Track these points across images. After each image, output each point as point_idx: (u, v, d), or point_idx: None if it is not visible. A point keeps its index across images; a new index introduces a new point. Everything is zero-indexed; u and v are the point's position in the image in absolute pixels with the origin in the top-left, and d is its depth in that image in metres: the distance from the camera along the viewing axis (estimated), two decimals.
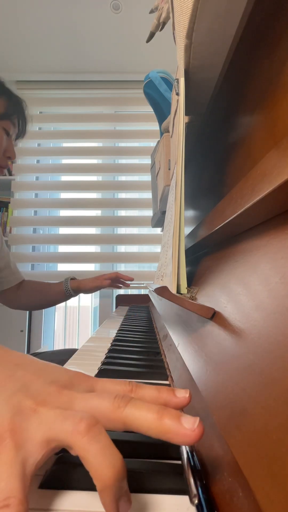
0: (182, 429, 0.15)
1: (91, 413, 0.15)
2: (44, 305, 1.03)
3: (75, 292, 0.96)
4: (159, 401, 0.17)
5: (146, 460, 0.19)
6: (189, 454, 0.19)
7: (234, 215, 0.24)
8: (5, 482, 0.13)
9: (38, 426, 0.15)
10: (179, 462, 0.19)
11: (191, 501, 0.16)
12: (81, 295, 2.20)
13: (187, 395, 0.17)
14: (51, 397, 0.17)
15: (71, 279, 0.97)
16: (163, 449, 0.21)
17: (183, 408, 0.20)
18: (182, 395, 0.17)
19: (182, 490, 0.17)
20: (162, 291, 0.43)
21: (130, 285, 1.00)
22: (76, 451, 0.14)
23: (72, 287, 0.95)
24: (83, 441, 0.14)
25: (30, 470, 0.14)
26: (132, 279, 0.96)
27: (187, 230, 0.60)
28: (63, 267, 1.94)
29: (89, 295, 2.22)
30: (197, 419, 0.15)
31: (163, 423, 0.15)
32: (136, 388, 0.18)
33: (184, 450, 0.19)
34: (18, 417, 0.15)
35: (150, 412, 0.15)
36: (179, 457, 0.19)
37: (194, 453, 0.19)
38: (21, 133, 0.85)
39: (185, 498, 0.16)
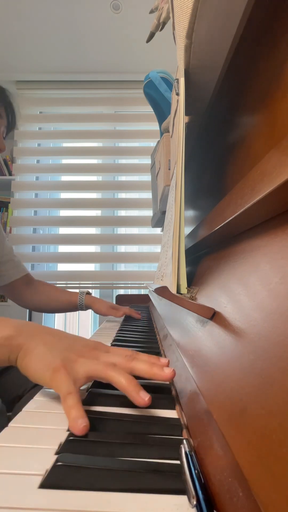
0: (163, 373, 0.28)
1: (112, 362, 0.28)
2: (53, 310, 1.02)
3: (87, 308, 0.95)
4: (149, 362, 0.29)
5: (146, 460, 0.19)
6: (188, 454, 0.19)
7: (234, 215, 0.24)
8: (66, 386, 0.25)
9: (80, 366, 0.27)
10: (178, 462, 0.19)
11: (190, 502, 0.16)
12: None
13: (166, 361, 0.30)
14: (86, 353, 0.30)
15: (87, 293, 0.96)
16: (163, 449, 0.21)
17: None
18: (164, 361, 0.30)
19: (181, 490, 0.17)
20: (162, 291, 0.43)
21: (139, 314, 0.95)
22: (107, 379, 0.27)
23: (86, 303, 0.93)
24: (110, 373, 0.27)
25: (78, 385, 0.26)
26: (139, 317, 0.93)
27: (187, 230, 0.60)
28: (63, 267, 1.93)
29: None
30: (172, 369, 0.28)
31: (153, 369, 0.28)
32: (135, 354, 0.31)
33: (183, 450, 0.19)
34: (67, 361, 0.27)
35: (146, 364, 0.29)
36: (178, 457, 0.19)
37: (193, 453, 0.19)
38: (10, 124, 0.82)
39: (185, 498, 0.16)
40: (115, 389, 0.31)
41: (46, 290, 0.97)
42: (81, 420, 0.22)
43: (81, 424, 0.22)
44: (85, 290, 0.97)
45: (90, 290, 0.99)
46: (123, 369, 0.28)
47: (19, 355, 0.29)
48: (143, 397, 0.25)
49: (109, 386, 0.32)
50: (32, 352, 0.28)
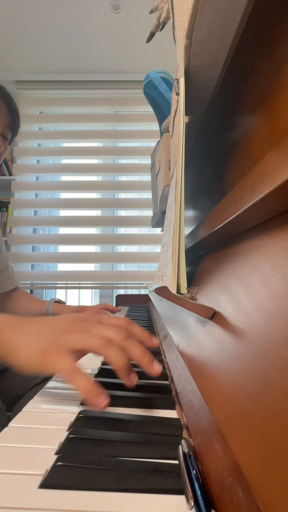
0: (150, 367, 0.27)
1: (107, 337, 0.27)
2: None
3: None
4: (142, 337, 0.30)
5: (146, 460, 0.19)
6: (187, 454, 0.19)
7: (234, 215, 0.24)
8: (63, 365, 0.25)
9: (69, 342, 0.27)
10: (177, 462, 0.19)
11: (188, 502, 0.16)
12: (81, 294, 2.21)
13: (158, 342, 0.31)
14: (74, 327, 0.28)
15: (56, 301, 0.85)
16: (163, 449, 0.21)
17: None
18: (156, 341, 0.31)
19: (181, 490, 0.17)
20: (162, 291, 0.43)
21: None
22: (104, 356, 0.26)
23: (53, 312, 0.82)
24: (107, 350, 0.26)
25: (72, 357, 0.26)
26: (119, 310, 0.80)
27: (187, 230, 0.60)
28: (63, 267, 1.94)
29: (89, 295, 2.22)
30: (160, 367, 0.27)
31: (143, 360, 0.27)
32: (130, 327, 0.30)
33: (181, 450, 0.19)
34: (53, 341, 0.27)
35: (139, 351, 0.27)
36: (176, 457, 0.19)
37: (192, 453, 0.19)
38: (14, 123, 0.78)
39: (184, 498, 0.16)
40: (114, 389, 0.31)
41: (19, 301, 0.89)
42: (102, 397, 0.23)
43: (103, 402, 0.23)
44: (56, 298, 0.87)
45: (61, 299, 0.88)
46: (119, 346, 0.27)
47: (7, 353, 0.28)
48: (132, 380, 0.27)
49: (108, 387, 0.32)
50: (16, 347, 0.28)
